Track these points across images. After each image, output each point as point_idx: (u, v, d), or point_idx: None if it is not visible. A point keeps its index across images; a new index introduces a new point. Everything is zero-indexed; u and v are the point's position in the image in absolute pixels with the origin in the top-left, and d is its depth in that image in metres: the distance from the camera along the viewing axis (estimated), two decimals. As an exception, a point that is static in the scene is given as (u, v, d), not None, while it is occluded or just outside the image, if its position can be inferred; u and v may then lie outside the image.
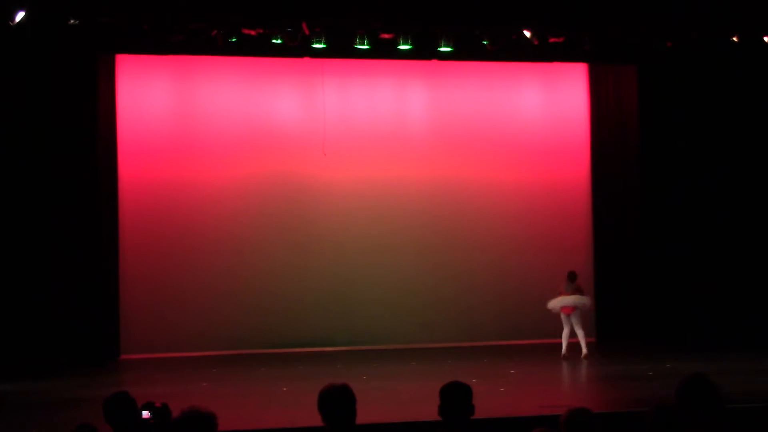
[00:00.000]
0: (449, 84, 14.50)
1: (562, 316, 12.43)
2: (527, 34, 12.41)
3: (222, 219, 13.85)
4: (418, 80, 14.56)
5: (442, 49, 12.47)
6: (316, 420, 3.94)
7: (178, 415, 3.63)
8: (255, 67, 14.05)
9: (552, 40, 12.77)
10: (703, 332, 13.54)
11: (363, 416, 4.04)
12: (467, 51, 12.89)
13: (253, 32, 12.14)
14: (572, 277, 12.41)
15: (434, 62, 13.78)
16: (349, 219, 14.12)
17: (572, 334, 12.38)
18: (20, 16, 10.95)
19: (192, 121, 13.95)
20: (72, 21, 11.56)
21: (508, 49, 12.85)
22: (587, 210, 14.73)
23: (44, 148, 12.75)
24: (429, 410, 4.95)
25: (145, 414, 4.75)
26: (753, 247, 14.02)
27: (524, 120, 14.76)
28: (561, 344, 12.37)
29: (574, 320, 12.32)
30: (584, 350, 12.23)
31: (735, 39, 12.69)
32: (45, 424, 7.90)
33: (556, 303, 12.34)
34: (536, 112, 14.82)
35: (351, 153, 14.19)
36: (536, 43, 12.56)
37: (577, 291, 12.38)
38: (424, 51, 12.80)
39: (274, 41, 12.14)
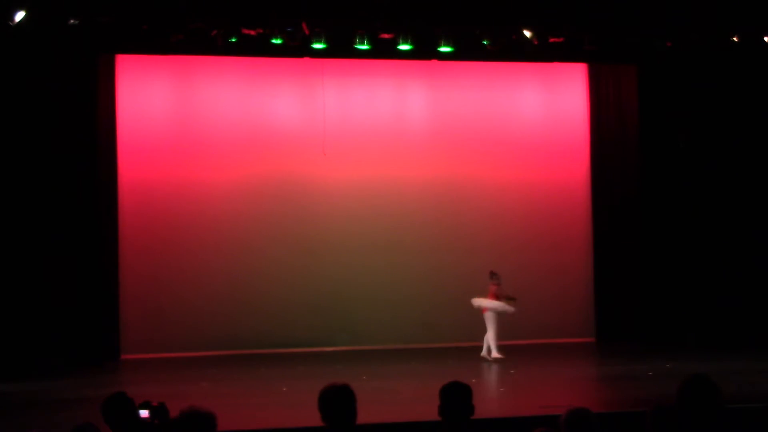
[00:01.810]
0: (449, 84, 14.49)
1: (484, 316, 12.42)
2: (527, 34, 12.40)
3: (222, 219, 13.85)
4: (418, 80, 14.55)
5: (442, 49, 12.45)
6: (316, 420, 3.94)
7: (178, 415, 3.63)
8: (255, 67, 14.05)
9: (552, 40, 12.75)
10: (703, 332, 13.53)
11: (363, 416, 4.04)
12: (467, 51, 12.87)
13: (253, 32, 12.13)
14: (491, 277, 12.36)
15: (434, 62, 13.77)
16: (349, 219, 14.11)
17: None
18: (20, 16, 10.95)
19: (192, 121, 13.95)
20: (72, 21, 11.55)
21: (508, 49, 12.83)
22: (587, 210, 14.73)
23: (44, 147, 12.74)
24: (429, 410, 4.94)
25: (144, 413, 4.75)
26: (753, 247, 14.01)
27: (524, 120, 14.76)
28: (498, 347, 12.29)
29: (486, 321, 12.28)
30: (485, 351, 12.18)
31: (735, 39, 12.69)
32: (45, 424, 7.88)
33: (473, 302, 12.34)
34: (536, 112, 14.82)
35: (351, 153, 14.19)
36: (536, 43, 12.55)
37: (491, 293, 12.30)
38: (424, 51, 12.79)
39: (274, 41, 12.12)
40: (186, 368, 12.07)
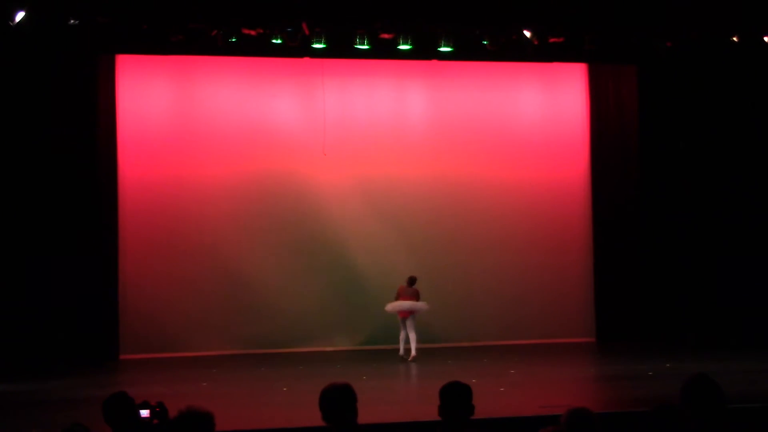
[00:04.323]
0: (449, 84, 14.50)
1: (399, 319, 12.46)
2: (527, 34, 12.40)
3: (222, 219, 13.85)
4: (418, 80, 14.55)
5: (442, 49, 12.46)
6: (317, 420, 3.94)
7: (176, 415, 3.62)
8: (255, 67, 14.05)
9: (552, 40, 12.75)
10: (703, 332, 13.52)
11: (363, 416, 4.04)
12: (467, 51, 12.87)
13: (253, 32, 12.13)
14: (411, 281, 12.44)
15: (434, 62, 13.77)
16: (349, 219, 14.11)
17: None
18: (20, 16, 10.95)
19: (192, 121, 13.95)
20: (72, 21, 11.55)
21: (508, 49, 12.83)
22: (587, 210, 14.73)
23: (44, 148, 12.75)
24: (429, 410, 4.94)
25: (144, 413, 4.75)
26: (753, 247, 14.00)
27: (524, 120, 14.76)
28: (407, 347, 12.36)
29: (408, 323, 12.33)
30: (413, 353, 12.21)
31: (735, 39, 12.68)
32: (45, 424, 7.88)
33: (394, 306, 12.40)
34: (536, 112, 14.82)
35: (351, 153, 14.19)
36: (536, 43, 12.55)
37: (414, 296, 12.37)
38: (424, 51, 12.79)
39: (274, 41, 12.13)
40: (186, 368, 12.07)
